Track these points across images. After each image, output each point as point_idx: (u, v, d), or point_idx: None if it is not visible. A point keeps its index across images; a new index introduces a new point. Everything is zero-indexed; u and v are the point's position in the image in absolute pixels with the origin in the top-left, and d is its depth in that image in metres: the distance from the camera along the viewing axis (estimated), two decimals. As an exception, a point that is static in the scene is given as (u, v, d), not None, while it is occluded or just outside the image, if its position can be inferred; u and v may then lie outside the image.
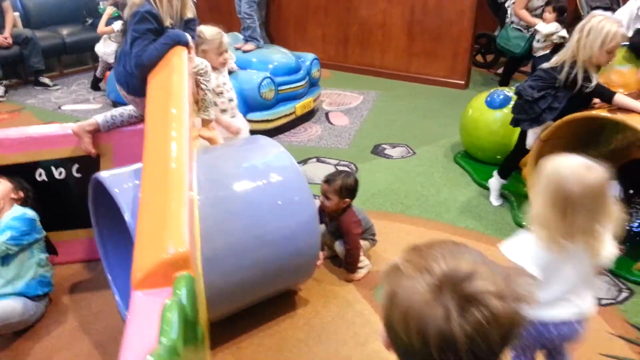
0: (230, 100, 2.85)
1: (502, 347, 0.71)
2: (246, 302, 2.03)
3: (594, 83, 2.47)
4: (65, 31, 5.88)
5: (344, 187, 2.39)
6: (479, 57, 6.08)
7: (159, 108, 1.69)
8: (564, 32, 4.18)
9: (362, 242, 2.50)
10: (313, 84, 4.55)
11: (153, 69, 1.94)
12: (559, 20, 4.27)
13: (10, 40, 5.18)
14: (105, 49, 5.00)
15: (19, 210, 2.11)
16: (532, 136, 2.82)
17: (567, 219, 1.38)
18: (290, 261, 2.02)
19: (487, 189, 3.23)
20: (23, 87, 5.52)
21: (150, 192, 1.44)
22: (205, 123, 2.43)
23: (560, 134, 2.64)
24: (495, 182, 3.15)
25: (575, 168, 1.40)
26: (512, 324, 0.69)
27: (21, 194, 2.19)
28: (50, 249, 2.29)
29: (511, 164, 3.07)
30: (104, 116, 2.32)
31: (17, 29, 5.34)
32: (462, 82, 5.42)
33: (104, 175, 1.89)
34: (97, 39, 5.18)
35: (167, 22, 2.02)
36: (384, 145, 3.98)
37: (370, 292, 2.36)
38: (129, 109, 2.36)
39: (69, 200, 2.42)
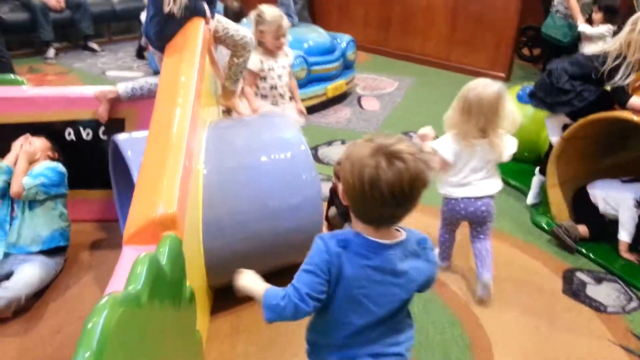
0: (273, 87, 2.78)
1: (411, 197, 1.07)
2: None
3: (622, 82, 2.36)
4: None
5: None
6: (525, 50, 5.91)
7: (170, 76, 1.75)
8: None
9: None
10: (348, 66, 4.55)
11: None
12: (609, 20, 4.01)
13: (63, 5, 5.39)
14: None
15: (53, 163, 2.27)
16: (551, 129, 2.74)
17: (471, 122, 1.98)
18: (293, 236, 2.05)
19: (510, 185, 3.17)
20: (73, 50, 5.75)
21: (151, 155, 1.51)
22: (227, 93, 2.48)
23: (584, 134, 2.57)
24: (536, 180, 3.00)
25: (476, 84, 1.99)
26: (418, 177, 1.05)
27: (56, 154, 2.34)
28: None
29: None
30: (125, 86, 2.40)
31: (70, -6, 5.56)
32: (503, 75, 5.27)
33: (120, 137, 1.98)
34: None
35: None
36: (412, 134, 3.94)
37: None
38: (150, 82, 2.42)
39: (94, 160, 2.53)
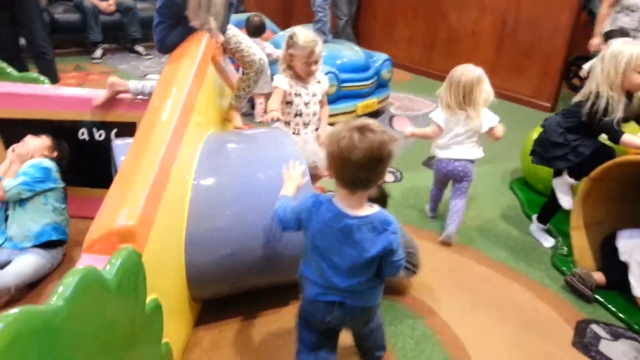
0: (298, 114, 2.53)
1: (380, 161, 1.34)
2: (232, 288, 2.04)
3: (613, 117, 2.29)
4: (140, 5, 6.22)
5: None
6: (575, 81, 5.64)
7: (162, 87, 1.74)
8: None
9: None
10: (381, 85, 4.47)
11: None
12: None
13: (113, 8, 5.60)
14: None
15: (37, 160, 2.27)
16: (559, 190, 2.63)
17: (454, 98, 2.56)
18: (282, 256, 1.99)
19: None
20: (120, 52, 5.95)
21: (126, 165, 1.49)
22: (229, 108, 2.47)
23: (610, 176, 2.38)
24: (534, 228, 2.90)
25: (462, 68, 2.56)
26: (385, 145, 1.32)
27: (55, 153, 2.36)
28: None
29: (550, 208, 2.80)
30: (136, 83, 2.43)
31: (120, -2, 5.77)
32: (548, 105, 5.05)
33: (117, 142, 1.98)
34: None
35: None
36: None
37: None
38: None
39: (105, 160, 2.56)
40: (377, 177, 1.38)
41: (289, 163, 1.82)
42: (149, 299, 1.41)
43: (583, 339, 2.17)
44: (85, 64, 5.43)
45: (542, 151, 2.63)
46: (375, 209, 1.46)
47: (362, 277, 1.45)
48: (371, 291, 1.51)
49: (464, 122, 2.59)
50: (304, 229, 1.50)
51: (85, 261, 1.27)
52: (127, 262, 1.24)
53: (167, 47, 2.04)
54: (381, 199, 2.25)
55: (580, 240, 2.57)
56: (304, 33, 2.43)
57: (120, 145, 1.94)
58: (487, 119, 2.61)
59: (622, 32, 3.79)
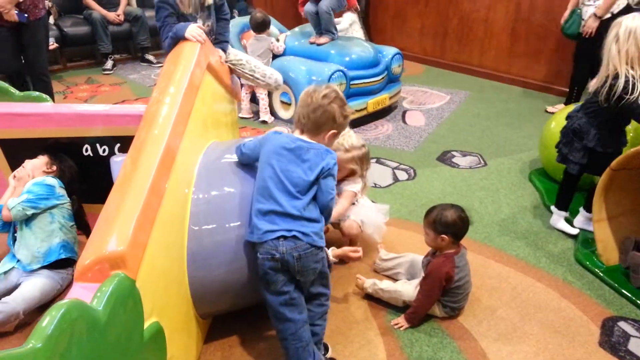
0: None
1: (327, 115, 1.70)
2: (239, 302, 1.99)
3: (635, 95, 2.20)
4: None
5: (438, 221, 2.04)
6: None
7: (155, 98, 1.70)
8: None
9: (436, 304, 2.13)
10: (392, 79, 4.37)
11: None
12: None
13: (122, 18, 5.61)
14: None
15: (40, 178, 2.26)
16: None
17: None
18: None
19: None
20: (131, 62, 5.97)
21: (117, 186, 1.45)
22: None
23: (636, 164, 2.25)
24: (556, 219, 2.79)
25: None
26: (333, 106, 1.72)
27: (54, 167, 2.34)
28: (81, 224, 2.43)
29: (566, 192, 2.71)
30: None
31: (129, 7, 5.77)
32: (567, 90, 4.87)
33: (115, 159, 1.95)
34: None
35: (186, 9, 2.04)
36: (454, 152, 3.71)
37: (377, 311, 2.21)
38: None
39: (110, 176, 2.54)
40: (318, 125, 1.71)
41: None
42: (147, 323, 1.37)
43: (611, 338, 2.07)
44: (97, 76, 5.46)
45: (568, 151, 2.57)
46: (318, 145, 1.74)
47: (306, 198, 1.67)
48: (313, 224, 1.69)
49: None
50: (260, 154, 1.75)
51: (76, 291, 1.23)
52: (119, 290, 1.20)
53: (167, 49, 2.04)
54: (460, 225, 2.06)
55: (603, 233, 2.45)
56: (353, 137, 2.45)
57: (118, 162, 1.91)
58: None
59: (628, 8, 3.65)
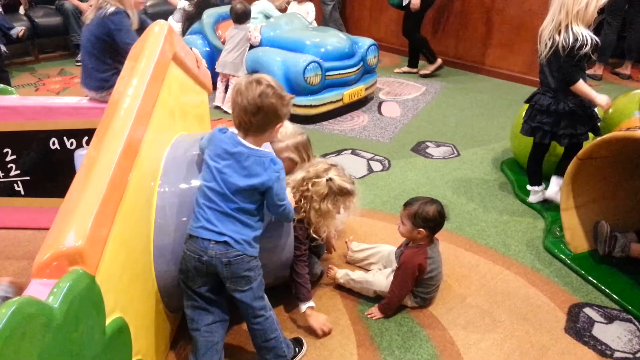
0: None
1: (259, 111, 1.58)
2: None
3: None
4: (149, 2, 6.12)
5: (419, 215, 2.05)
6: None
7: (117, 91, 1.67)
8: None
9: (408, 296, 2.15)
10: (368, 70, 4.37)
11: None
12: None
13: (93, 8, 5.50)
14: (171, 22, 5.16)
15: None
16: None
17: None
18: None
19: (527, 204, 2.93)
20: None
21: (79, 178, 1.43)
22: None
23: (601, 154, 2.29)
24: (533, 198, 2.90)
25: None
26: (264, 97, 1.56)
27: None
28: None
29: (535, 165, 2.83)
30: None
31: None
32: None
33: (79, 152, 1.91)
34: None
35: None
36: (428, 143, 3.73)
37: (349, 302, 2.22)
38: None
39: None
40: (262, 125, 1.60)
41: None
42: (110, 319, 1.35)
43: (576, 324, 2.11)
44: (70, 68, 5.36)
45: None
46: (269, 151, 1.67)
47: (245, 203, 1.61)
48: (249, 229, 1.64)
49: None
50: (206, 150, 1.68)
51: (33, 287, 1.21)
52: (77, 286, 1.18)
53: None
54: (439, 221, 2.10)
55: (571, 221, 2.50)
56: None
57: (81, 156, 1.87)
58: None
59: None
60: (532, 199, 2.89)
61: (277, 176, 1.62)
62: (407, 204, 2.13)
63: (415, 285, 2.11)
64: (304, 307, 2.01)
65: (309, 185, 1.96)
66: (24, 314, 0.99)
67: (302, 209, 1.99)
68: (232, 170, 1.60)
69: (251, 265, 1.66)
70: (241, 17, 4.20)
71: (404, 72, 5.31)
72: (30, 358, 1.00)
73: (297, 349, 1.91)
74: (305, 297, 2.02)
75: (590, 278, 2.34)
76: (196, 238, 1.61)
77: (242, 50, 4.20)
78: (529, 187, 2.90)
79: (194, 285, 1.69)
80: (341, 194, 1.99)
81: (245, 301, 1.68)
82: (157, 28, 1.95)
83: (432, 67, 5.18)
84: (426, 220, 2.06)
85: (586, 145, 2.35)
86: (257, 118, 1.58)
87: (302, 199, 1.98)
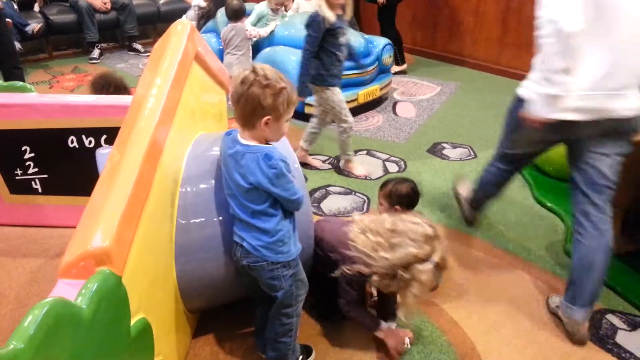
0: None
1: (249, 102, 1.48)
2: (227, 296, 1.96)
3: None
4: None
5: (394, 193, 2.23)
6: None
7: (141, 90, 1.66)
8: None
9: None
10: (383, 70, 4.35)
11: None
12: None
13: (108, 6, 5.51)
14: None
15: None
16: None
17: None
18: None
19: (546, 207, 2.89)
20: (119, 51, 5.88)
21: (104, 177, 1.42)
22: None
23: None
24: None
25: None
26: (254, 87, 1.46)
27: None
28: None
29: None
30: None
31: (116, -5, 5.68)
32: (557, 81, 4.88)
33: (100, 151, 1.91)
34: (193, 9, 5.36)
35: None
36: (445, 144, 3.70)
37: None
38: None
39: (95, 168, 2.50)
40: (247, 117, 1.49)
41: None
42: (134, 320, 1.35)
43: (599, 331, 2.08)
44: (83, 65, 5.37)
45: None
46: (267, 145, 1.54)
47: (255, 205, 1.54)
48: (265, 235, 1.56)
49: None
50: None
51: (60, 288, 1.20)
52: (104, 287, 1.17)
53: None
54: (412, 197, 2.26)
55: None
56: None
57: (104, 155, 1.86)
58: None
59: None
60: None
61: (275, 173, 1.48)
62: (382, 186, 2.30)
63: None
64: (379, 333, 1.93)
65: (409, 273, 1.64)
66: (56, 315, 0.98)
67: (388, 287, 1.72)
68: (234, 171, 1.55)
69: (275, 274, 1.61)
70: (238, 13, 4.18)
71: (395, 73, 5.13)
72: (68, 358, 0.98)
73: (302, 357, 1.87)
74: (372, 326, 1.93)
75: (613, 284, 2.30)
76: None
77: (244, 51, 4.21)
78: None
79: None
80: (443, 268, 1.71)
81: (273, 301, 1.70)
82: (180, 27, 1.93)
83: (397, 68, 5.10)
84: (400, 197, 2.23)
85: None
86: (240, 107, 1.48)
87: (391, 279, 1.67)
